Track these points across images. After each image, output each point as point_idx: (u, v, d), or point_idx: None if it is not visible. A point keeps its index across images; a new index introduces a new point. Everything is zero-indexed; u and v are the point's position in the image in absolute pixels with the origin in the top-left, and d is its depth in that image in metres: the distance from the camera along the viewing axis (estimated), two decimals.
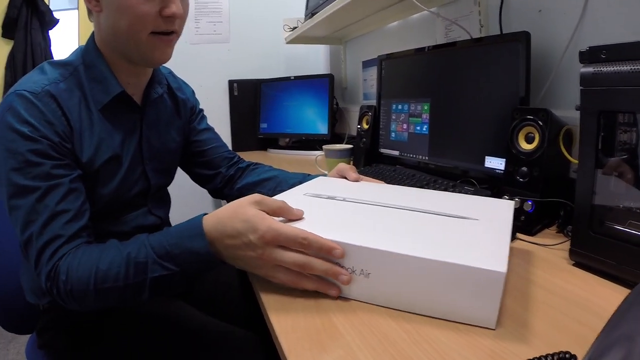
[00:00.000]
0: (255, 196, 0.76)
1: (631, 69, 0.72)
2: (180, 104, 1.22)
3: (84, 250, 0.82)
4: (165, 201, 1.25)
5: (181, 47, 2.89)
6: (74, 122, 0.92)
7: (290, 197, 0.91)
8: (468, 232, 0.75)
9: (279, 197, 0.90)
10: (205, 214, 0.78)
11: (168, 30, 0.95)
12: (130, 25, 0.91)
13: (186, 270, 0.76)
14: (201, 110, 1.33)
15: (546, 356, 0.53)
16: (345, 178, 1.11)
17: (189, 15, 2.77)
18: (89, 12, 0.97)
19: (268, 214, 0.74)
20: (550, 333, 0.62)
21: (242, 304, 1.24)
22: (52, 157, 0.86)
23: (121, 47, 0.96)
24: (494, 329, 0.62)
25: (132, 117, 1.05)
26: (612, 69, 0.75)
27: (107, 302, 0.80)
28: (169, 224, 1.23)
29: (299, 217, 0.78)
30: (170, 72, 1.25)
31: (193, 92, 1.32)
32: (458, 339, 0.60)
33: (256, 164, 1.36)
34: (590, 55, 0.78)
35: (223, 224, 0.74)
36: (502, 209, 0.88)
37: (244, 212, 0.73)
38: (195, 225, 0.76)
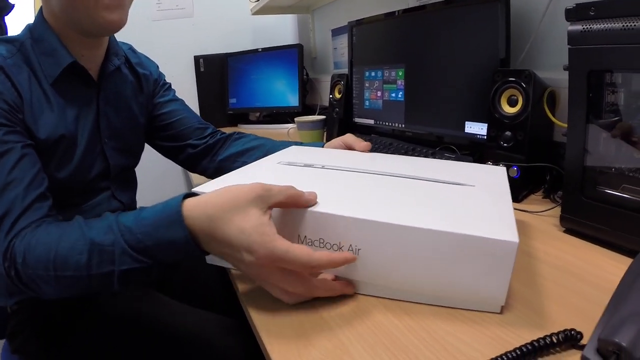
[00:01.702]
0: (256, 187, 0.60)
1: (623, 26, 0.67)
2: (142, 79, 1.14)
3: (45, 228, 0.71)
4: (130, 185, 1.18)
5: (143, 24, 2.86)
6: (25, 94, 0.85)
7: (262, 167, 0.85)
8: (466, 199, 0.68)
9: (249, 167, 0.84)
10: (188, 194, 0.64)
11: None
12: None
13: (162, 263, 0.65)
14: (167, 84, 1.25)
15: (551, 335, 0.50)
16: (353, 149, 1.03)
17: None
18: None
19: (276, 207, 0.62)
20: (552, 309, 0.58)
21: (221, 289, 1.19)
22: (1, 124, 0.79)
23: (70, 14, 0.88)
24: (499, 313, 0.58)
25: (88, 92, 0.98)
26: (602, 26, 0.70)
27: (71, 291, 0.68)
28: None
29: (312, 203, 0.63)
30: (131, 48, 1.17)
31: (157, 66, 1.24)
32: (458, 325, 0.56)
33: (240, 133, 1.28)
34: (577, 13, 0.74)
35: (211, 223, 0.59)
36: (496, 175, 0.82)
37: (242, 217, 0.58)
38: (172, 209, 0.61)
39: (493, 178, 0.80)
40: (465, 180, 0.76)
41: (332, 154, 0.97)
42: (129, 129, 1.09)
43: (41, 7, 0.93)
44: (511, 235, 0.55)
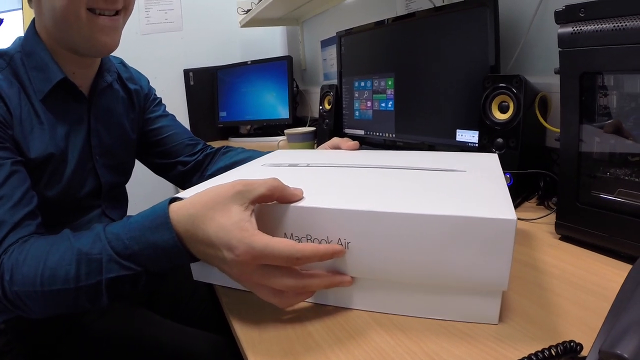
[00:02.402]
0: (237, 184, 0.57)
1: (614, 26, 0.66)
2: (133, 94, 1.13)
3: (33, 243, 0.68)
4: (121, 202, 1.15)
5: (132, 39, 2.84)
6: (14, 110, 0.83)
7: (247, 169, 0.83)
8: (458, 183, 0.65)
9: (233, 171, 0.82)
10: (175, 198, 0.62)
11: (108, 8, 0.86)
12: (65, 5, 0.81)
13: (150, 269, 0.61)
14: (157, 98, 1.24)
15: (549, 348, 0.48)
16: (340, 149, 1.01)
17: (139, 5, 2.70)
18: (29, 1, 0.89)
19: (259, 201, 0.58)
20: (548, 319, 0.56)
21: (211, 307, 1.16)
22: None
23: (64, 32, 0.87)
24: (495, 324, 0.56)
25: (79, 109, 0.96)
26: (592, 27, 0.69)
27: (59, 307, 0.65)
28: None
29: (298, 198, 0.60)
30: (122, 62, 1.16)
31: (148, 81, 1.22)
32: (452, 339, 0.54)
33: (228, 147, 1.27)
34: (567, 15, 0.73)
35: (194, 222, 0.57)
36: (488, 160, 0.80)
37: (222, 214, 0.56)
38: (159, 213, 0.60)
39: (485, 163, 0.78)
40: (456, 167, 0.74)
41: (317, 154, 0.95)
42: (121, 145, 1.07)
43: (33, 20, 0.91)
44: (508, 213, 0.52)
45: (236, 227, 0.54)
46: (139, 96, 1.15)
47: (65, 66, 0.91)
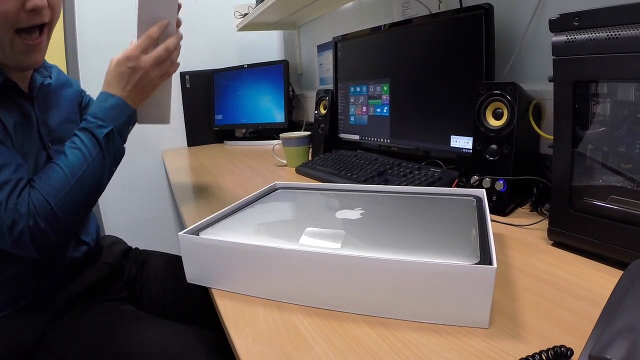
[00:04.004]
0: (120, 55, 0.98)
1: (608, 35, 0.66)
2: (70, 91, 1.18)
3: (39, 175, 0.86)
4: None
5: (128, 41, 2.80)
6: None
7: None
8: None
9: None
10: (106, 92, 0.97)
11: (34, 24, 0.89)
12: None
13: (117, 124, 0.95)
14: (88, 96, 1.30)
15: (540, 353, 0.48)
16: None
17: (136, 8, 2.68)
18: None
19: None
20: (540, 324, 0.56)
21: (199, 302, 1.17)
22: None
23: None
24: (486, 328, 0.56)
25: (24, 104, 0.98)
26: (586, 36, 0.69)
27: (94, 189, 0.92)
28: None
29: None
30: (55, 66, 1.19)
31: (79, 84, 1.29)
32: (443, 343, 0.54)
33: None
34: (561, 23, 0.73)
35: (113, 79, 0.96)
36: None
37: (114, 62, 0.98)
38: (103, 95, 0.97)
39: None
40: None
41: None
42: (69, 130, 1.09)
43: None
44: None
45: (121, 57, 0.97)
46: (74, 93, 1.21)
47: (3, 69, 0.93)
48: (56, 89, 1.12)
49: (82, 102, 1.24)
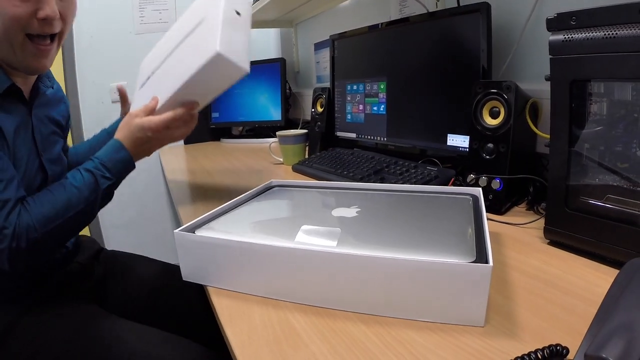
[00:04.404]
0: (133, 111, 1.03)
1: (605, 34, 0.66)
2: (62, 113, 1.17)
3: (35, 198, 0.87)
4: None
5: (125, 38, 2.84)
6: None
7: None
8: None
9: None
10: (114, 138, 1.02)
11: (44, 33, 0.91)
12: (4, 28, 0.87)
13: (120, 178, 1.00)
14: (70, 123, 1.29)
15: (535, 352, 0.48)
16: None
17: (133, 5, 2.69)
18: None
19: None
20: (535, 323, 0.56)
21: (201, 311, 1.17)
22: None
23: (1, 52, 0.91)
24: (481, 327, 0.56)
25: (23, 110, 0.99)
26: (583, 35, 0.69)
27: (79, 226, 0.94)
28: None
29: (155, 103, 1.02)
30: (57, 81, 1.20)
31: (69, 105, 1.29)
32: (438, 341, 0.54)
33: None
34: (558, 22, 0.73)
35: (131, 135, 1.00)
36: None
37: (137, 125, 1.00)
38: (116, 145, 1.00)
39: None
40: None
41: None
42: (55, 144, 1.12)
43: None
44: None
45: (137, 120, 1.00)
46: (66, 105, 1.21)
47: (10, 74, 0.94)
48: (53, 101, 1.13)
49: (66, 124, 1.25)
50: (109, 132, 1.34)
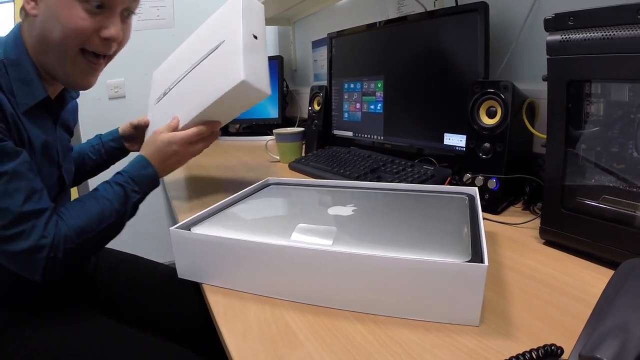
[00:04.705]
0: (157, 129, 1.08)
1: (602, 35, 0.66)
2: (72, 121, 1.18)
3: (68, 208, 0.86)
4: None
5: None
6: (9, 117, 0.82)
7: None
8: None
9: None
10: (141, 155, 1.05)
11: (102, 52, 0.91)
12: (63, 38, 0.85)
13: (146, 193, 1.01)
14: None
15: (530, 351, 0.48)
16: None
17: None
18: (23, 13, 0.88)
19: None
20: (531, 323, 0.56)
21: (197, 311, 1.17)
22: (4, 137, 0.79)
23: (48, 61, 0.89)
24: (476, 326, 0.56)
25: (50, 121, 0.97)
26: (581, 36, 0.69)
27: (108, 239, 0.93)
28: None
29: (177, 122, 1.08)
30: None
31: None
32: (434, 340, 0.54)
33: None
34: (556, 22, 0.73)
35: (156, 152, 1.04)
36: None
37: (163, 140, 1.04)
38: (143, 161, 1.02)
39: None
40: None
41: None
42: (70, 148, 1.14)
43: (18, 26, 0.90)
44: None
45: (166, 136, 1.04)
46: (75, 121, 1.21)
47: (46, 83, 0.92)
48: (72, 112, 1.15)
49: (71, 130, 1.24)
50: (104, 141, 1.36)
